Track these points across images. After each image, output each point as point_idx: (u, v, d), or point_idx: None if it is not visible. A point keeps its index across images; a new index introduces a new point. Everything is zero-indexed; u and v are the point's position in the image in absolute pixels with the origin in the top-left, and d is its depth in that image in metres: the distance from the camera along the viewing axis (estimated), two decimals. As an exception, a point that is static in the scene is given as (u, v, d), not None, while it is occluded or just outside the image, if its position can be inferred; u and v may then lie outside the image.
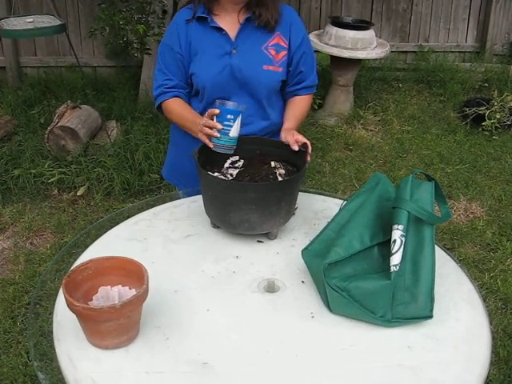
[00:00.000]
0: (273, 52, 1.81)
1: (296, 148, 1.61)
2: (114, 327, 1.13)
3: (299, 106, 1.90)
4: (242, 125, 1.61)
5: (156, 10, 3.85)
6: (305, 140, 1.63)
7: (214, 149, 1.60)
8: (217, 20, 1.80)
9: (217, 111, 1.58)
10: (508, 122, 4.46)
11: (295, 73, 1.87)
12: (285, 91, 1.92)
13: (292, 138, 1.64)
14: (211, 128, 1.59)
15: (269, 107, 1.88)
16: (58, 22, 3.48)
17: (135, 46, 3.73)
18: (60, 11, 4.46)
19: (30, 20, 3.46)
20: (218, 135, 1.58)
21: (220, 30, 1.79)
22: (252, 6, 1.78)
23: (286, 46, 1.82)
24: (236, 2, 1.78)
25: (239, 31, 1.80)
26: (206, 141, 1.61)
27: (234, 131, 1.58)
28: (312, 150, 1.63)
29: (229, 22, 1.80)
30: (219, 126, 1.57)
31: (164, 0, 3.90)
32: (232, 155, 1.65)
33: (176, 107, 1.85)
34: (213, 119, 1.60)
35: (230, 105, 1.59)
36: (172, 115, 1.88)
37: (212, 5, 1.79)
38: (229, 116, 1.57)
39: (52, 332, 1.24)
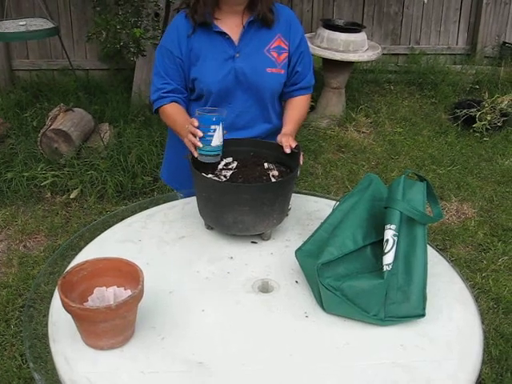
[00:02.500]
0: (275, 54, 1.82)
1: (288, 151, 1.61)
2: (110, 328, 1.14)
3: (298, 108, 1.89)
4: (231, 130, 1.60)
5: (150, 12, 3.85)
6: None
7: (199, 158, 1.58)
8: (219, 24, 1.79)
9: (196, 123, 1.56)
10: (499, 124, 4.49)
11: (292, 73, 1.87)
12: (282, 92, 1.92)
13: (287, 141, 1.64)
14: (195, 136, 1.57)
15: (271, 110, 1.89)
16: (50, 25, 3.47)
17: (132, 49, 3.72)
18: (52, 14, 4.47)
19: (23, 23, 3.45)
20: (201, 145, 1.55)
21: (223, 34, 1.79)
22: (252, 7, 1.77)
23: (286, 48, 1.83)
24: (235, 4, 1.78)
25: (242, 35, 1.80)
26: (192, 149, 1.59)
27: (216, 140, 1.56)
28: (304, 154, 1.63)
29: (231, 26, 1.80)
30: (200, 134, 1.55)
31: (159, 3, 3.90)
32: (226, 157, 1.65)
33: (171, 112, 1.84)
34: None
35: (210, 114, 1.56)
36: (167, 120, 1.87)
37: (213, 11, 1.78)
38: (210, 126, 1.54)
39: (46, 334, 1.25)
